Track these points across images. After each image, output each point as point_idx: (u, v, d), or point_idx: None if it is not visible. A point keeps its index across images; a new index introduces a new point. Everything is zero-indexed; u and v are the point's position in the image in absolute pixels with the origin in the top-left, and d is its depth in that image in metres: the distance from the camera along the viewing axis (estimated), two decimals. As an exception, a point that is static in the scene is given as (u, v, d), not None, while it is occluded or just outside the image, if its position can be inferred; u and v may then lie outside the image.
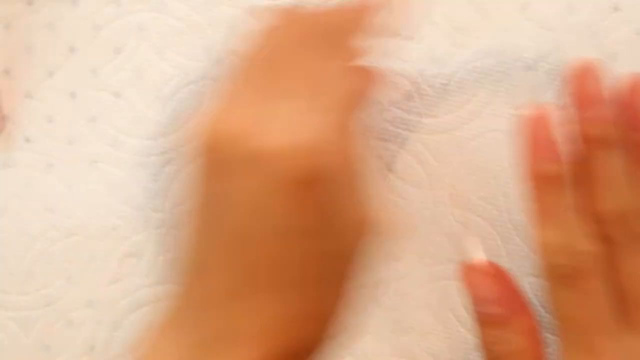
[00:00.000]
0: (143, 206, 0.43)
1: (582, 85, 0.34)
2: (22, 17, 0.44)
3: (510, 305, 0.34)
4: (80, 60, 0.44)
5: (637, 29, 0.42)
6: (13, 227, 0.43)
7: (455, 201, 0.42)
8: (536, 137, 0.34)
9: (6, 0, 0.44)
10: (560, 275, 0.33)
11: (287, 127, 0.27)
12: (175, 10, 0.43)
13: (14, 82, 0.44)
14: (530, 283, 0.40)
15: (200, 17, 0.43)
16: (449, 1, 0.43)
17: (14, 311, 0.43)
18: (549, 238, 0.34)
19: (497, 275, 0.35)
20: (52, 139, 0.43)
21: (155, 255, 0.43)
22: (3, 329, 0.43)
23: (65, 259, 0.43)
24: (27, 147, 0.43)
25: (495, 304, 0.34)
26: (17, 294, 0.43)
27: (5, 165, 0.43)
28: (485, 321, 0.34)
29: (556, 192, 0.34)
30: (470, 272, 0.35)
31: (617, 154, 0.34)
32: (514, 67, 0.42)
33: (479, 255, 0.35)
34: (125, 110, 0.43)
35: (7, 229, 0.43)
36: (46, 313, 0.43)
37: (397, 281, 0.42)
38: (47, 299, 0.43)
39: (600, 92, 0.34)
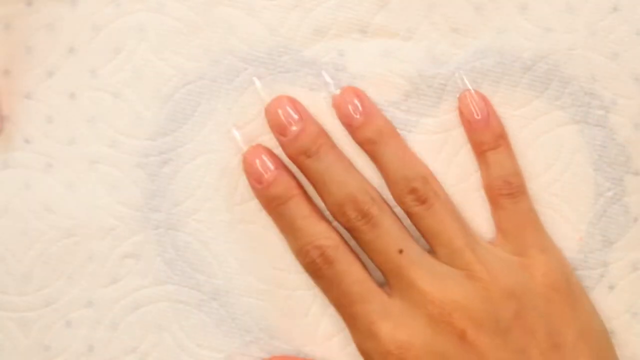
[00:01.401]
0: (142, 206, 0.43)
1: (272, 116, 0.40)
2: (21, 17, 0.44)
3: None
4: (79, 60, 0.44)
5: (637, 29, 0.42)
6: (12, 228, 0.43)
7: (454, 200, 0.42)
8: (252, 172, 0.40)
9: (6, 0, 0.44)
10: (313, 271, 0.39)
11: None
12: (174, 10, 0.43)
13: (14, 83, 0.44)
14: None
15: (199, 17, 0.43)
16: (448, 1, 0.42)
17: (13, 312, 0.43)
18: (294, 246, 0.40)
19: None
20: (52, 140, 0.43)
21: (154, 255, 0.43)
22: (2, 329, 0.43)
23: (64, 260, 0.43)
24: (26, 148, 0.43)
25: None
26: (16, 294, 0.43)
27: (5, 165, 0.43)
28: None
29: (286, 208, 0.39)
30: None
31: (325, 157, 0.39)
32: (512, 67, 0.42)
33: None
34: (124, 110, 0.43)
35: (6, 229, 0.43)
36: (45, 313, 0.43)
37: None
38: (46, 300, 0.43)
39: (289, 116, 0.39)
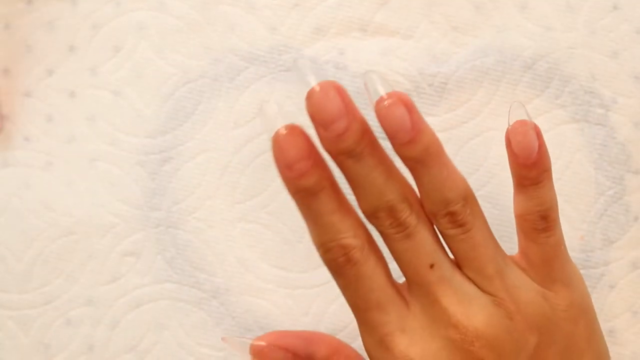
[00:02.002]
0: (142, 205, 0.43)
1: (315, 107, 0.34)
2: (21, 16, 0.44)
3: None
4: (79, 59, 0.44)
5: (637, 28, 0.42)
6: (12, 226, 0.43)
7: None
8: (283, 156, 0.35)
9: (6, -1, 0.44)
10: (333, 268, 0.36)
11: None
12: (175, 8, 0.43)
13: (14, 81, 0.44)
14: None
15: (199, 15, 0.43)
16: (448, 0, 0.42)
17: (13, 310, 0.43)
18: (316, 239, 0.36)
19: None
20: (52, 138, 0.43)
21: (154, 253, 0.43)
22: (2, 327, 0.43)
23: (64, 258, 0.43)
24: (26, 146, 0.43)
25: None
26: (16, 292, 0.43)
27: (5, 164, 0.43)
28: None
29: (315, 201, 0.35)
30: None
31: (367, 160, 0.35)
32: (513, 66, 0.42)
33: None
34: (124, 108, 0.43)
35: (6, 227, 0.43)
36: (45, 312, 0.43)
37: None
38: (45, 298, 0.43)
39: (335, 109, 0.34)
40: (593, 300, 0.41)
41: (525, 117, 0.36)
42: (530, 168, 0.37)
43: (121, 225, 0.43)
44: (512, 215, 0.42)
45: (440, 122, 0.43)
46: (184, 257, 0.43)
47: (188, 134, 0.43)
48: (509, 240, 0.41)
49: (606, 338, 0.42)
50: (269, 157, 0.43)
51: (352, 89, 0.42)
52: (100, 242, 0.43)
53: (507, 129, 0.36)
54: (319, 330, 0.43)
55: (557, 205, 0.38)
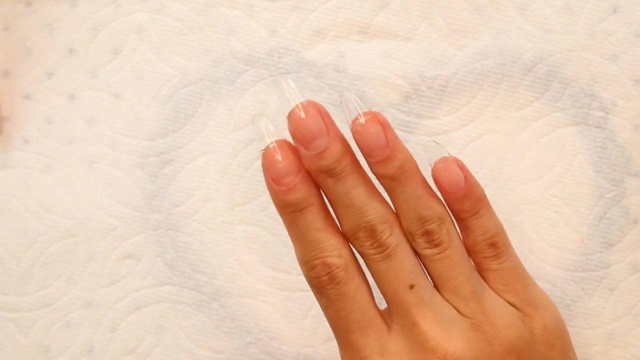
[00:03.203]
0: (141, 207, 0.43)
1: (297, 125, 0.35)
2: (21, 18, 0.44)
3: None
4: (79, 61, 0.44)
5: (636, 31, 0.42)
6: (12, 228, 0.43)
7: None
8: (272, 170, 0.35)
9: (5, 1, 0.44)
10: (316, 286, 0.36)
11: None
12: (175, 11, 0.43)
13: (13, 83, 0.44)
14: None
15: (199, 18, 0.43)
16: (448, 2, 0.43)
17: (13, 312, 0.43)
18: (301, 256, 0.36)
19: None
20: (51, 140, 0.43)
21: (154, 256, 0.43)
22: (1, 330, 0.43)
23: (63, 260, 0.43)
24: (26, 148, 0.43)
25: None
26: (16, 295, 0.43)
27: (4, 165, 0.43)
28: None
29: (301, 217, 0.36)
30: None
31: (347, 180, 0.35)
32: (512, 68, 0.42)
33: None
34: (124, 111, 0.43)
35: (5, 229, 0.43)
36: (45, 314, 0.43)
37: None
38: (45, 300, 0.43)
39: (316, 128, 0.35)
40: (594, 304, 0.42)
41: (444, 154, 0.37)
42: (463, 200, 0.37)
43: (121, 228, 0.43)
44: (512, 219, 0.42)
45: (440, 124, 0.43)
46: (184, 259, 0.43)
47: (188, 136, 0.43)
48: (509, 243, 0.41)
49: (606, 341, 0.42)
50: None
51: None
52: (99, 244, 0.43)
53: (431, 169, 0.37)
54: (318, 333, 0.43)
55: (504, 232, 0.38)
